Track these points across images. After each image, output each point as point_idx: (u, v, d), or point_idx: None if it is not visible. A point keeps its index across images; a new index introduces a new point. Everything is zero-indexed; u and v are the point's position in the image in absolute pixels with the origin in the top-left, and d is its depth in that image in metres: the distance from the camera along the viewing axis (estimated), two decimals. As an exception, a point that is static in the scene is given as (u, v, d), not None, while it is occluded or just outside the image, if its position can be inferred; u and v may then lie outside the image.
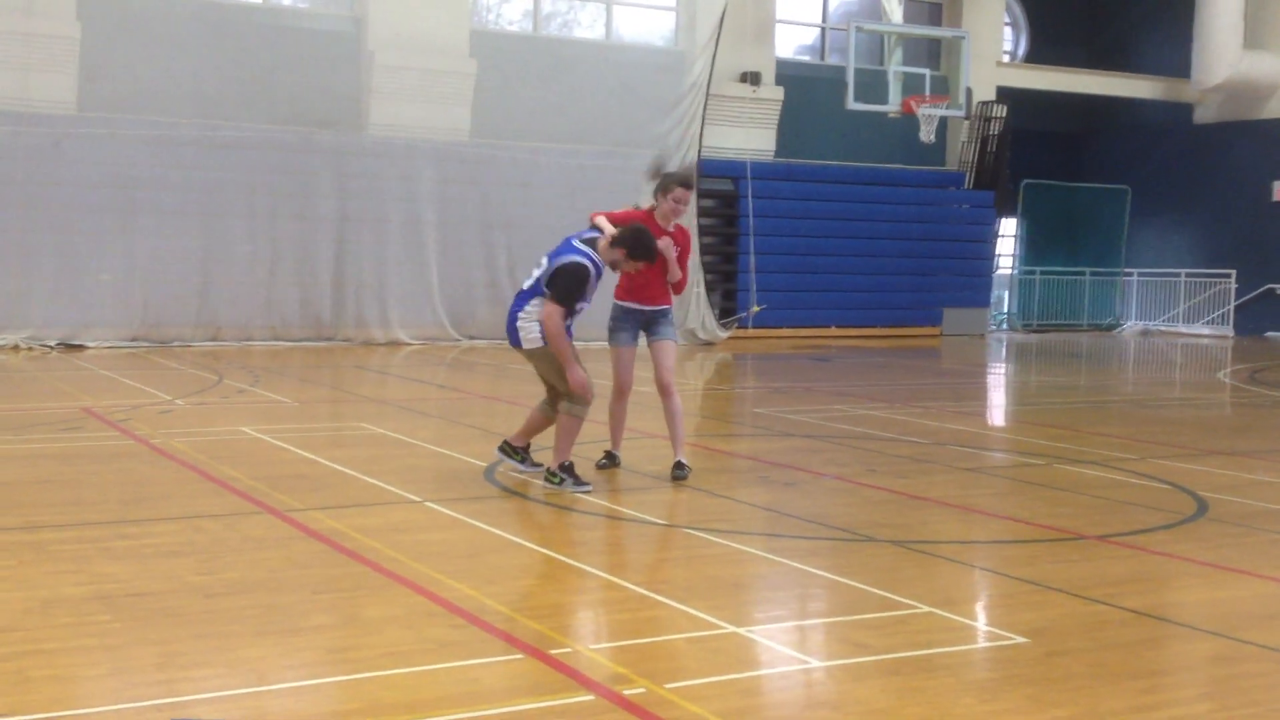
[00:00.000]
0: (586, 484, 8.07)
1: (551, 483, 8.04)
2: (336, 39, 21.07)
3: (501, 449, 8.61)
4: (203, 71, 19.85)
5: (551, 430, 8.30)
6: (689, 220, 23.15)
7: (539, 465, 8.44)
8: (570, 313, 8.05)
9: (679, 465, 8.66)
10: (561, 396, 8.19)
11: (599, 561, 6.22)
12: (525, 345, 8.12)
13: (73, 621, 5.11)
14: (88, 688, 4.45)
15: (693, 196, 8.30)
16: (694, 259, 23.08)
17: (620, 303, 8.77)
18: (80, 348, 18.46)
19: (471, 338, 21.45)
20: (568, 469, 8.08)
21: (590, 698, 4.35)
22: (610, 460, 8.99)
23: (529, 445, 8.56)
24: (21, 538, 6.57)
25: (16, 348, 18.20)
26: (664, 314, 8.83)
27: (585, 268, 7.98)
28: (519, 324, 8.12)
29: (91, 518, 7.11)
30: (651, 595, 5.68)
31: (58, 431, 10.33)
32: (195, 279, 19.59)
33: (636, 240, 8.08)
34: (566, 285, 7.92)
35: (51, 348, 18.38)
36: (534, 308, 8.07)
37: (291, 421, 11.55)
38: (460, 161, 21.44)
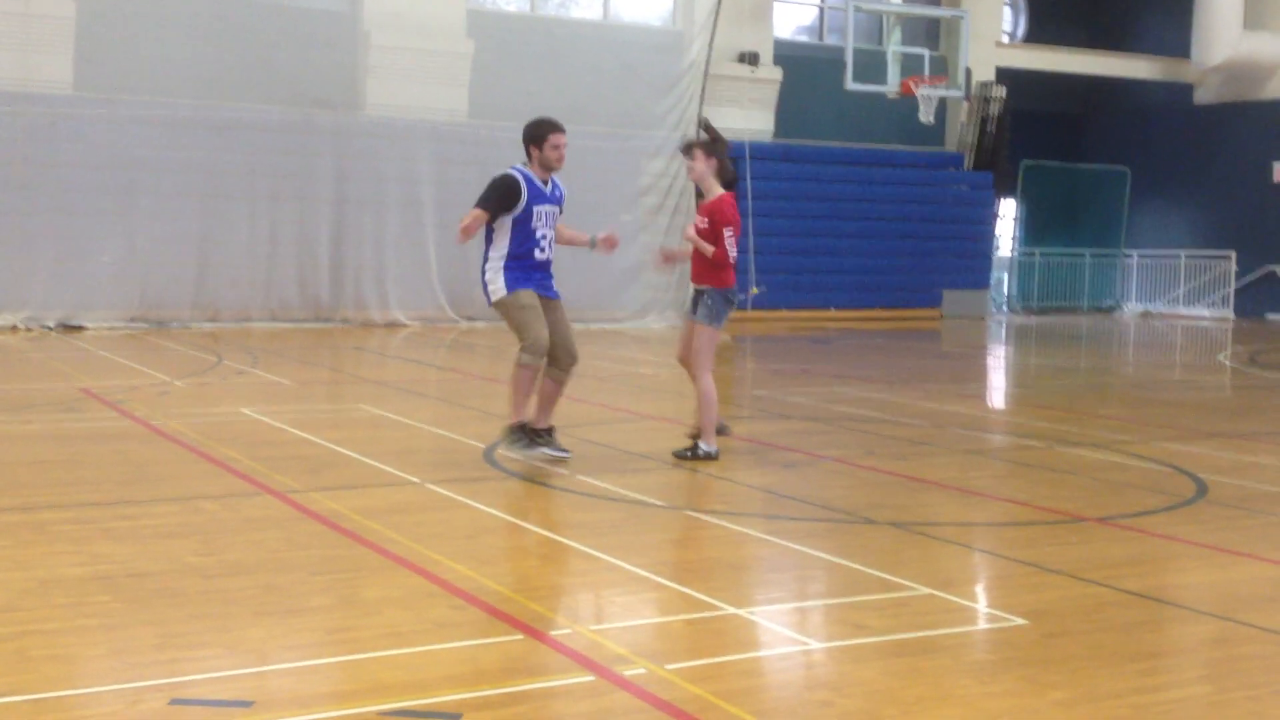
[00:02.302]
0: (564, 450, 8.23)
1: (512, 445, 8.22)
2: (333, 18, 20.98)
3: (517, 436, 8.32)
4: (199, 52, 19.77)
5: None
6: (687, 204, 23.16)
7: (565, 451, 8.39)
8: (494, 218, 8.16)
9: (692, 449, 8.64)
10: (556, 362, 8.35)
11: (598, 543, 6.22)
12: (491, 299, 8.37)
13: (72, 602, 5.11)
14: (87, 667, 4.45)
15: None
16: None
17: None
18: (79, 328, 18.44)
19: (470, 319, 21.42)
20: (521, 428, 8.19)
21: (590, 678, 4.35)
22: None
23: (551, 427, 8.47)
24: (20, 518, 6.57)
25: (15, 328, 18.17)
26: (700, 294, 8.92)
27: (512, 177, 8.18)
28: (485, 279, 8.38)
29: (90, 498, 7.10)
30: (651, 577, 5.68)
31: (56, 412, 10.32)
32: (194, 260, 19.54)
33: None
34: (489, 189, 8.16)
35: (50, 328, 18.35)
36: (493, 258, 8.29)
37: (290, 403, 11.54)
38: (458, 142, 21.37)
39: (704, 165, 8.68)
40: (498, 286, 8.25)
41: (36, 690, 4.15)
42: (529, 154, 8.34)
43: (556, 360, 8.38)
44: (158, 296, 19.34)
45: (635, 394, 12.96)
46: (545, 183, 8.33)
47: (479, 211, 8.11)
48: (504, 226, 8.18)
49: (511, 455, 8.32)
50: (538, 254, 8.31)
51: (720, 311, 8.77)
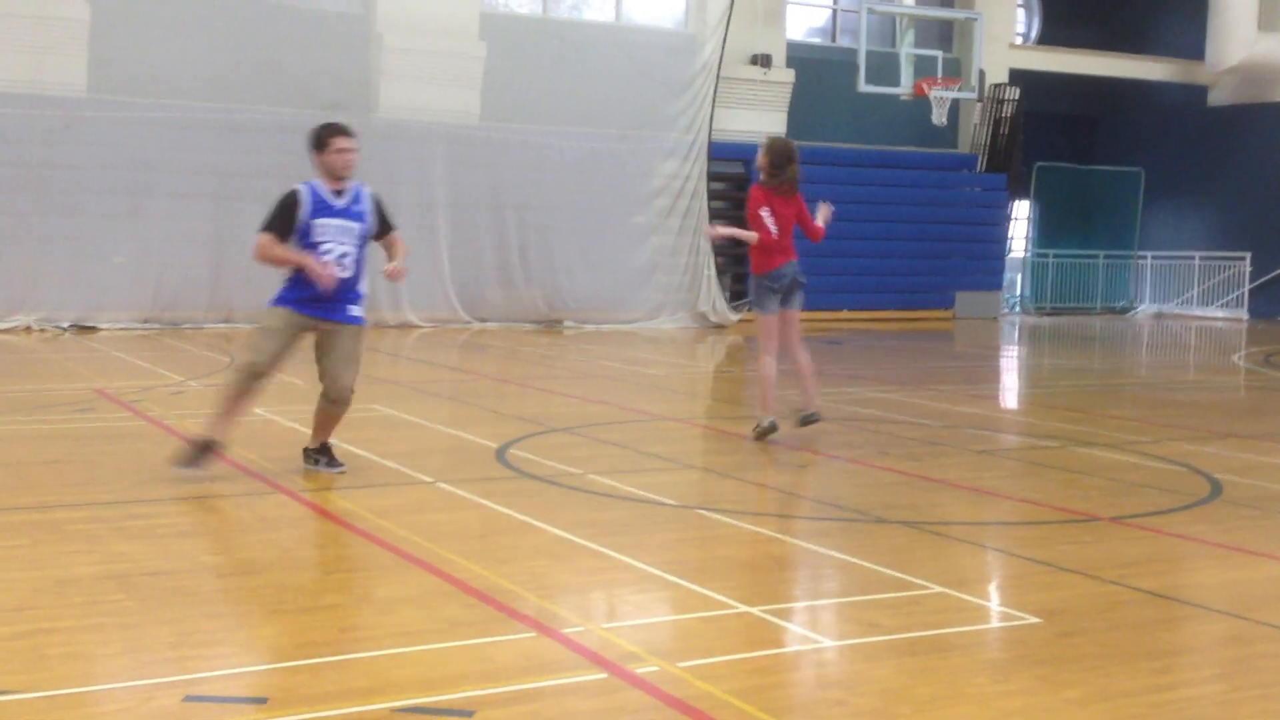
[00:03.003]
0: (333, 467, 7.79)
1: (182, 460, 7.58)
2: (345, 21, 21.02)
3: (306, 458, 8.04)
4: (213, 54, 19.81)
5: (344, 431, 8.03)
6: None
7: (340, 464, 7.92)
8: (283, 238, 7.53)
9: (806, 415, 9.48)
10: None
11: (611, 542, 6.22)
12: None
13: (87, 600, 5.13)
14: (102, 666, 4.46)
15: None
16: (704, 241, 23.04)
17: None
18: (93, 329, 18.50)
19: (483, 320, 21.45)
20: (206, 445, 7.55)
21: (603, 676, 4.36)
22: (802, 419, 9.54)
23: (323, 445, 7.96)
24: (35, 517, 6.59)
25: (29, 329, 18.24)
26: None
27: (291, 193, 7.60)
28: None
29: (104, 498, 7.13)
30: (663, 575, 5.68)
31: (70, 412, 10.36)
32: (207, 261, 19.58)
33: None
34: (273, 208, 7.62)
35: (64, 329, 18.41)
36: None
37: (303, 403, 11.51)
38: (471, 144, 21.40)
39: (760, 162, 9.58)
40: (273, 294, 7.73)
41: (51, 688, 4.16)
42: (314, 161, 7.72)
43: (323, 393, 7.78)
44: (171, 297, 19.38)
45: (647, 394, 12.96)
46: (339, 194, 7.64)
47: (262, 237, 7.53)
48: (294, 241, 7.57)
49: (177, 471, 7.54)
50: (318, 285, 7.49)
51: (759, 296, 9.58)
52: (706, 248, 23.09)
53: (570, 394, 12.56)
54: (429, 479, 7.79)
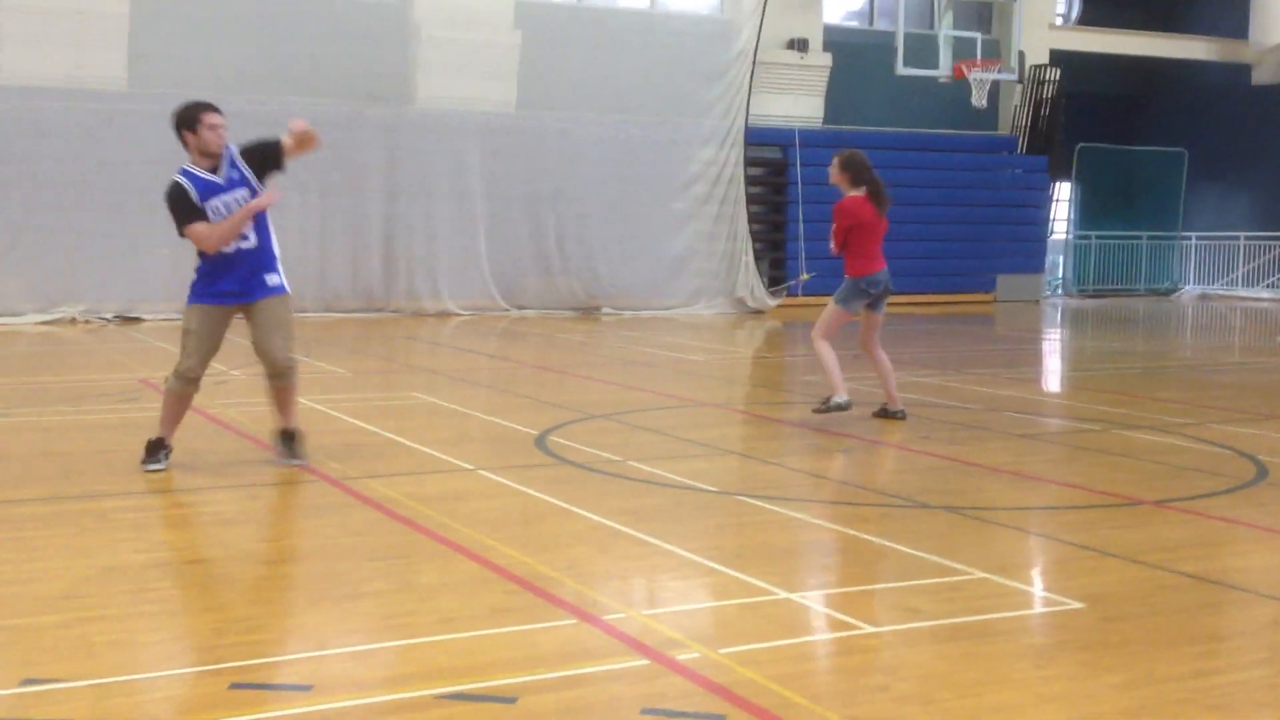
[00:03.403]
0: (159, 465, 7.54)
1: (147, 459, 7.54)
2: (383, 12, 21.09)
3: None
4: (251, 47, 19.93)
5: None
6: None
7: (297, 460, 7.73)
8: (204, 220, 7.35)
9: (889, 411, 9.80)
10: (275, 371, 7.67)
11: (651, 528, 6.23)
12: None
13: (133, 589, 5.19)
14: (149, 653, 4.51)
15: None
16: (742, 227, 23.02)
17: None
18: (137, 320, 18.68)
19: (521, 308, 21.51)
20: (159, 443, 7.56)
21: (645, 662, 4.37)
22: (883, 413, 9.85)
23: (288, 430, 7.81)
24: (82, 506, 6.67)
25: (74, 320, 18.44)
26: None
27: (177, 186, 7.44)
28: None
29: (149, 487, 7.20)
30: (704, 561, 5.68)
31: (116, 402, 10.47)
32: (248, 252, 19.71)
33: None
34: (174, 210, 7.48)
35: (108, 320, 18.61)
36: (199, 260, 7.64)
37: (344, 391, 11.64)
38: (507, 133, 21.44)
39: (836, 175, 9.68)
40: (189, 293, 7.64)
41: (99, 676, 4.22)
42: (184, 143, 7.49)
43: (267, 373, 7.70)
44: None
45: (686, 380, 12.96)
46: (214, 170, 7.45)
47: (195, 228, 7.40)
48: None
49: (147, 469, 7.52)
50: (226, 250, 7.44)
51: (848, 296, 9.75)
52: (744, 233, 23.05)
53: (609, 381, 12.58)
54: (470, 466, 7.82)
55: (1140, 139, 30.08)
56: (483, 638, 4.60)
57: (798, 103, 24.41)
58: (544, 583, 5.29)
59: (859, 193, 9.59)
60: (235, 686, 4.12)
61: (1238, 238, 28.34)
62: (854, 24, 26.67)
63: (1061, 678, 4.27)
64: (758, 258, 23.39)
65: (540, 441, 8.71)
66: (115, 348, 15.26)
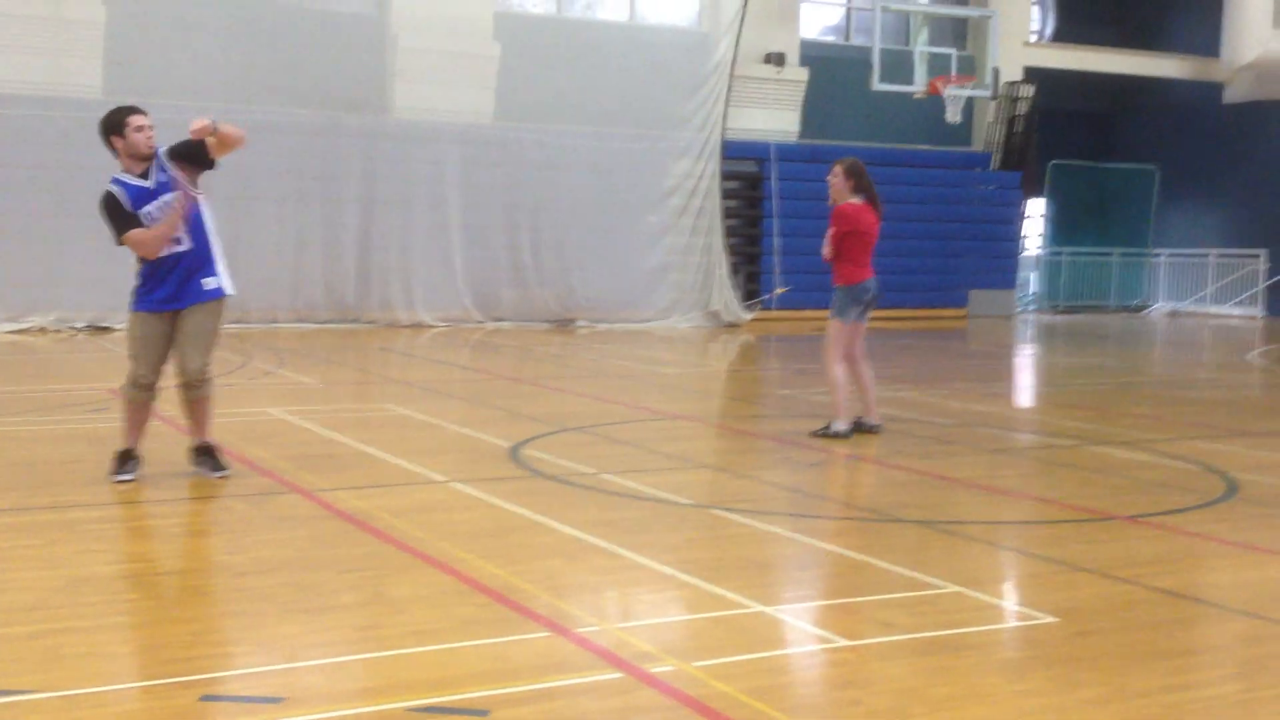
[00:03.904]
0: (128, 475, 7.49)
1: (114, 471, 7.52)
2: (360, 22, 21.07)
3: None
4: (228, 55, 19.87)
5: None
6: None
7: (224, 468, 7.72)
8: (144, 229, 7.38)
9: (866, 424, 9.71)
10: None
11: (625, 541, 6.22)
12: None
13: (103, 600, 5.15)
14: (118, 665, 4.48)
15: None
16: (717, 240, 23.05)
17: None
18: (107, 329, 18.56)
19: (496, 320, 21.47)
20: (128, 453, 7.54)
21: (618, 675, 4.36)
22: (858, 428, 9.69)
23: (205, 446, 7.76)
24: (51, 517, 6.62)
25: (44, 330, 18.32)
26: (834, 292, 9.74)
27: (109, 195, 7.44)
28: None
29: (119, 497, 7.15)
30: (678, 574, 5.68)
31: (86, 412, 10.40)
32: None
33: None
34: (108, 219, 7.54)
35: (79, 330, 18.48)
36: (138, 267, 7.61)
37: (317, 403, 11.59)
38: (485, 144, 21.43)
39: (842, 183, 9.77)
40: (130, 300, 7.60)
41: (68, 687, 4.18)
42: (113, 149, 7.46)
43: (177, 383, 7.65)
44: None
45: (660, 393, 12.96)
46: (145, 175, 7.43)
47: (133, 235, 7.42)
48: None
49: (116, 480, 7.45)
50: (167, 250, 7.41)
51: (844, 306, 9.64)
52: (719, 246, 23.10)
53: (583, 393, 12.57)
54: (443, 478, 7.80)
55: (1112, 156, 30.30)
56: (455, 650, 4.58)
57: (774, 117, 24.48)
58: (517, 595, 5.28)
59: (858, 200, 9.64)
60: (206, 699, 4.09)
61: (1208, 255, 28.56)
62: (830, 39, 26.77)
63: (1034, 692, 4.28)
64: (733, 271, 23.42)
65: (514, 454, 8.69)
66: (85, 357, 15.15)
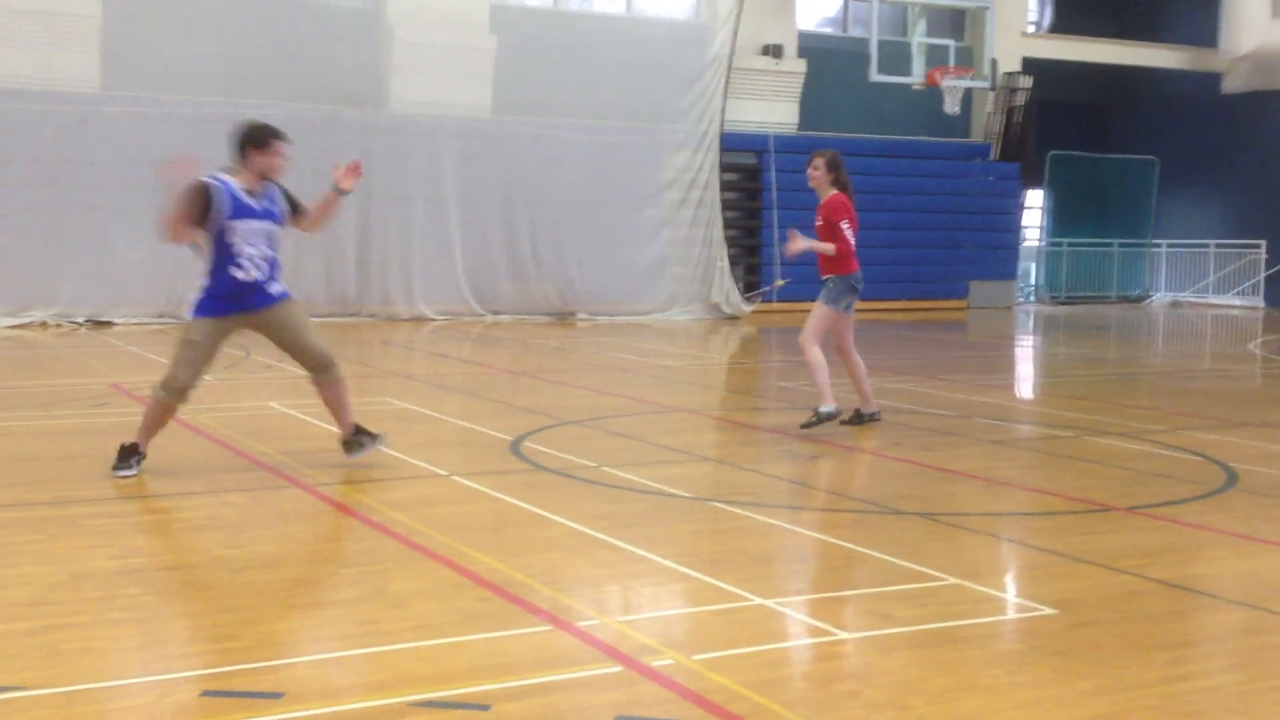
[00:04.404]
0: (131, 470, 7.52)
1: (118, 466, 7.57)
2: (357, 15, 21.05)
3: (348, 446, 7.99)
4: (225, 49, 19.86)
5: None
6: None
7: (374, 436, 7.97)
8: (193, 226, 7.41)
9: (864, 415, 9.78)
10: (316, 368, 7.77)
11: (625, 534, 6.23)
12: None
13: (103, 595, 5.15)
14: (118, 660, 4.48)
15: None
16: (717, 232, 23.05)
17: None
18: (108, 324, 18.57)
19: (495, 313, 21.48)
20: (133, 448, 7.58)
21: (618, 669, 4.36)
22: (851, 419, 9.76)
23: (355, 426, 7.97)
24: (51, 512, 6.62)
25: (44, 324, 18.32)
26: (825, 282, 9.62)
27: (202, 185, 7.41)
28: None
29: (120, 492, 7.16)
30: (678, 568, 5.68)
31: (86, 407, 10.40)
32: (221, 256, 19.66)
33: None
34: (185, 191, 7.48)
35: (79, 324, 18.48)
36: (202, 272, 7.59)
37: (318, 397, 11.56)
38: (482, 138, 21.42)
39: (823, 175, 9.58)
40: (191, 304, 7.63)
41: (68, 683, 4.18)
42: (244, 157, 7.53)
43: (308, 367, 7.78)
44: (185, 292, 19.39)
45: (661, 386, 12.97)
46: (252, 194, 7.49)
47: (163, 215, 7.49)
48: (208, 239, 7.44)
49: (117, 474, 7.50)
50: (238, 274, 7.43)
51: (839, 295, 9.59)
52: (719, 239, 23.10)
53: (583, 386, 12.57)
54: (443, 472, 7.80)
55: (1111, 147, 30.28)
56: (456, 644, 4.59)
57: (772, 108, 24.47)
58: (518, 589, 5.28)
59: (838, 192, 9.61)
60: (206, 694, 4.10)
61: (1208, 245, 28.55)
62: (828, 30, 26.76)
63: (1033, 684, 4.29)
64: (732, 263, 23.42)
65: (514, 447, 8.70)
66: (86, 352, 15.15)
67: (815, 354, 9.47)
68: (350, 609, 5.07)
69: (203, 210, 7.35)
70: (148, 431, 7.61)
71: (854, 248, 9.59)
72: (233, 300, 7.50)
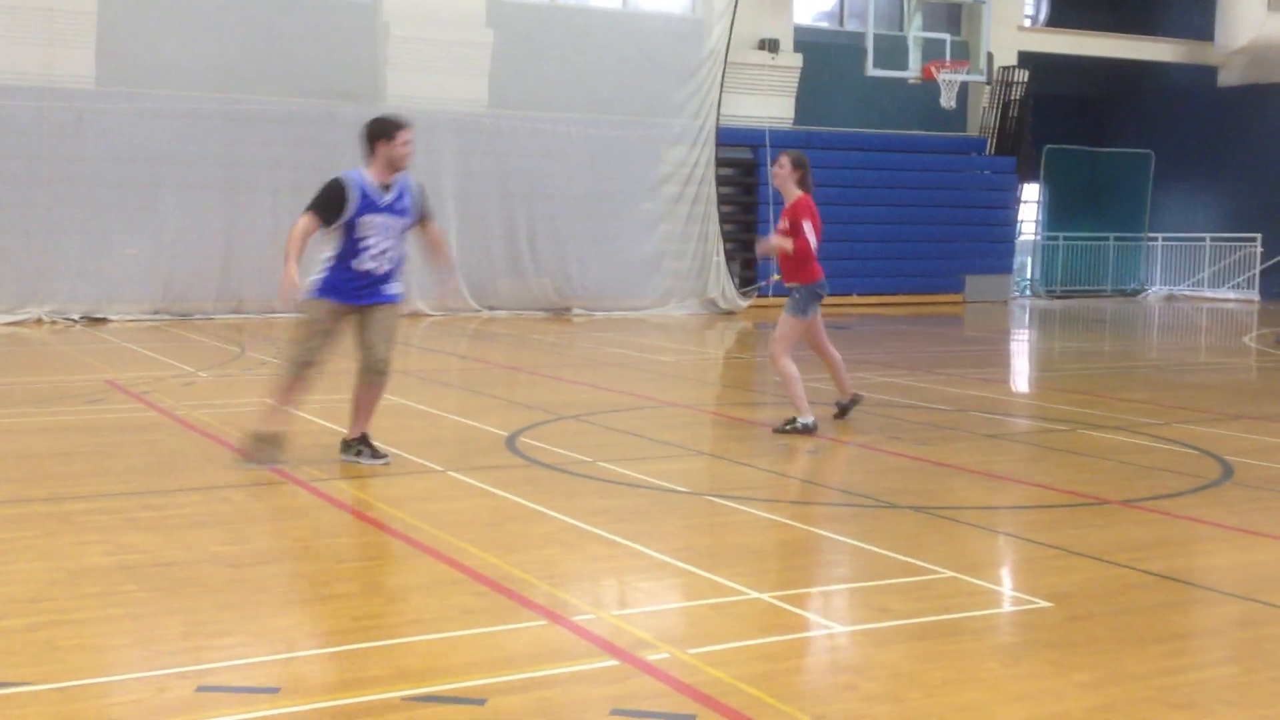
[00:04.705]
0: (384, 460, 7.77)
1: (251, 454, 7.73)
2: (353, 10, 21.03)
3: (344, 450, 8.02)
4: (221, 45, 19.83)
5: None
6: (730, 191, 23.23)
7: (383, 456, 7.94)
8: (326, 223, 7.57)
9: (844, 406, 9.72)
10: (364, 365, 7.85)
11: (622, 529, 6.23)
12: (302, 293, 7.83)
13: (99, 591, 5.15)
14: (115, 656, 4.48)
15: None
16: (713, 227, 23.05)
17: None
18: (103, 321, 18.55)
19: (492, 308, 21.46)
20: (269, 436, 7.71)
21: (614, 663, 4.37)
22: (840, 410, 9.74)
23: (363, 435, 7.98)
24: (47, 509, 6.62)
25: (40, 321, 18.30)
26: (790, 290, 9.48)
27: (338, 184, 7.60)
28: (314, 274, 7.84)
29: (117, 489, 7.15)
30: (674, 562, 5.69)
31: (82, 404, 10.39)
32: (218, 252, 19.65)
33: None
34: (317, 193, 7.68)
35: (75, 321, 18.47)
36: (326, 256, 7.73)
37: (314, 392, 11.53)
38: (479, 132, 21.40)
39: (788, 173, 9.44)
40: (309, 284, 7.71)
41: (64, 679, 4.18)
42: (373, 151, 7.67)
43: (362, 366, 7.86)
44: (182, 289, 19.44)
45: (657, 381, 12.97)
46: (386, 189, 7.65)
47: (304, 218, 7.59)
48: (336, 228, 7.62)
49: (250, 465, 7.66)
50: (362, 263, 7.61)
51: (806, 304, 9.42)
52: (715, 234, 23.09)
53: (580, 381, 12.57)
54: (439, 467, 7.80)
55: (1107, 140, 30.29)
56: (452, 639, 4.59)
57: (768, 103, 24.46)
58: (514, 584, 5.29)
59: (804, 194, 9.46)
60: (203, 689, 4.09)
61: (1203, 239, 28.57)
62: (824, 25, 26.75)
63: (1029, 676, 4.30)
64: (729, 258, 23.42)
65: (511, 442, 8.70)
66: (82, 349, 15.14)
67: (788, 366, 9.27)
68: (346, 604, 5.07)
69: (339, 205, 7.54)
70: (283, 395, 7.76)
71: (816, 252, 9.41)
72: (351, 291, 7.66)
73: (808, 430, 9.14)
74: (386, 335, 7.79)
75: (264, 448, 7.67)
